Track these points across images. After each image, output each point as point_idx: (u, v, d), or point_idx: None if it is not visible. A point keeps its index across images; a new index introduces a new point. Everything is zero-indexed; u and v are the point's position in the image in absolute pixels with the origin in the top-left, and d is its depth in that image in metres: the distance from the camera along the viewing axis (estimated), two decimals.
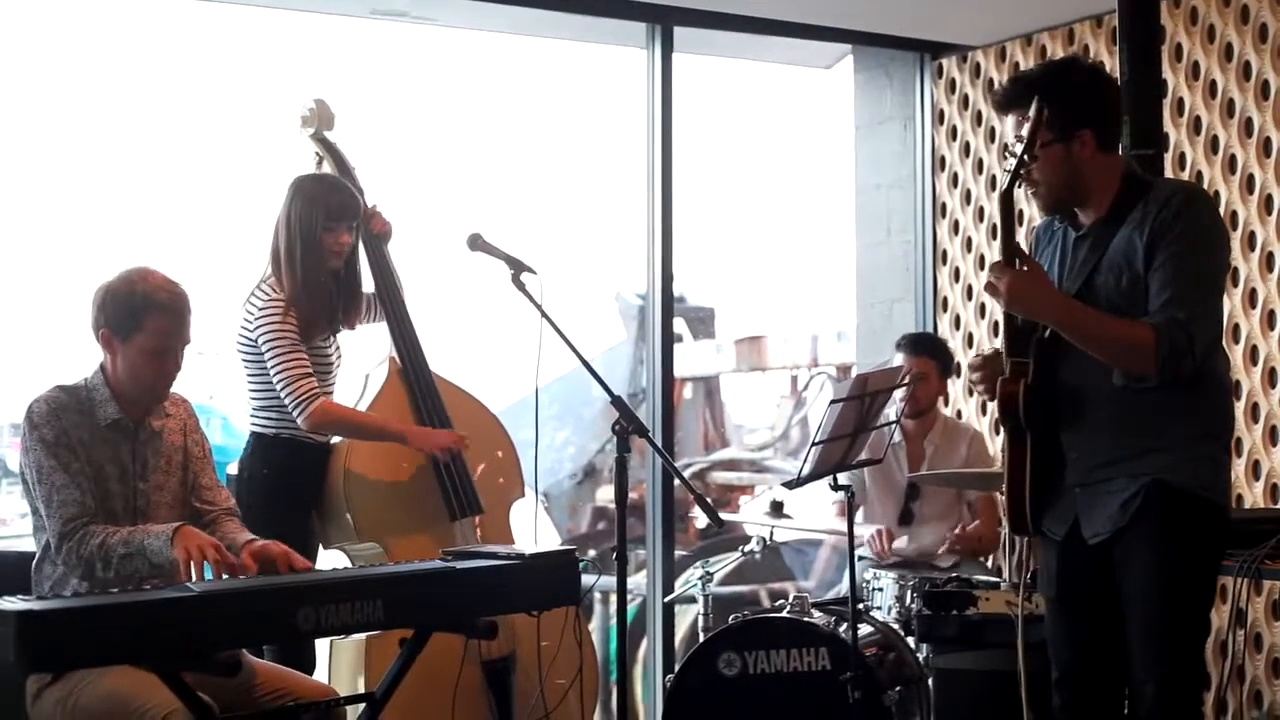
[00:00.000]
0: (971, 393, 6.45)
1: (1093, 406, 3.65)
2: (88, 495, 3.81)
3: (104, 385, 3.91)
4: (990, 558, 5.77)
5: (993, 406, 4.09)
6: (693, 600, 5.43)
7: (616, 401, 4.21)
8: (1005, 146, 3.70)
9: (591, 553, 4.10)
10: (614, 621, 6.75)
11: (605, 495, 9.38)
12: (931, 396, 5.82)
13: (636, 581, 6.54)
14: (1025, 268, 3.63)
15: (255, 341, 4.57)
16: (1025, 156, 3.57)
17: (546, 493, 8.04)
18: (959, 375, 6.58)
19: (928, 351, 5.80)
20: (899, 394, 5.15)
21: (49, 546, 3.83)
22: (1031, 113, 3.55)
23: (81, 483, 3.80)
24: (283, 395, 4.54)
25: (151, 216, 6.72)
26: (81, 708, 3.69)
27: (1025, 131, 3.57)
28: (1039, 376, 3.65)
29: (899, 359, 5.73)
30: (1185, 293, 3.55)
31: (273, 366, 4.54)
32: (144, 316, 3.84)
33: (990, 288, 3.62)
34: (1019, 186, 3.63)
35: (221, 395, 7.42)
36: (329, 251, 4.66)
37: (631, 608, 6.65)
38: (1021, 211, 6.30)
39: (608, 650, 6.61)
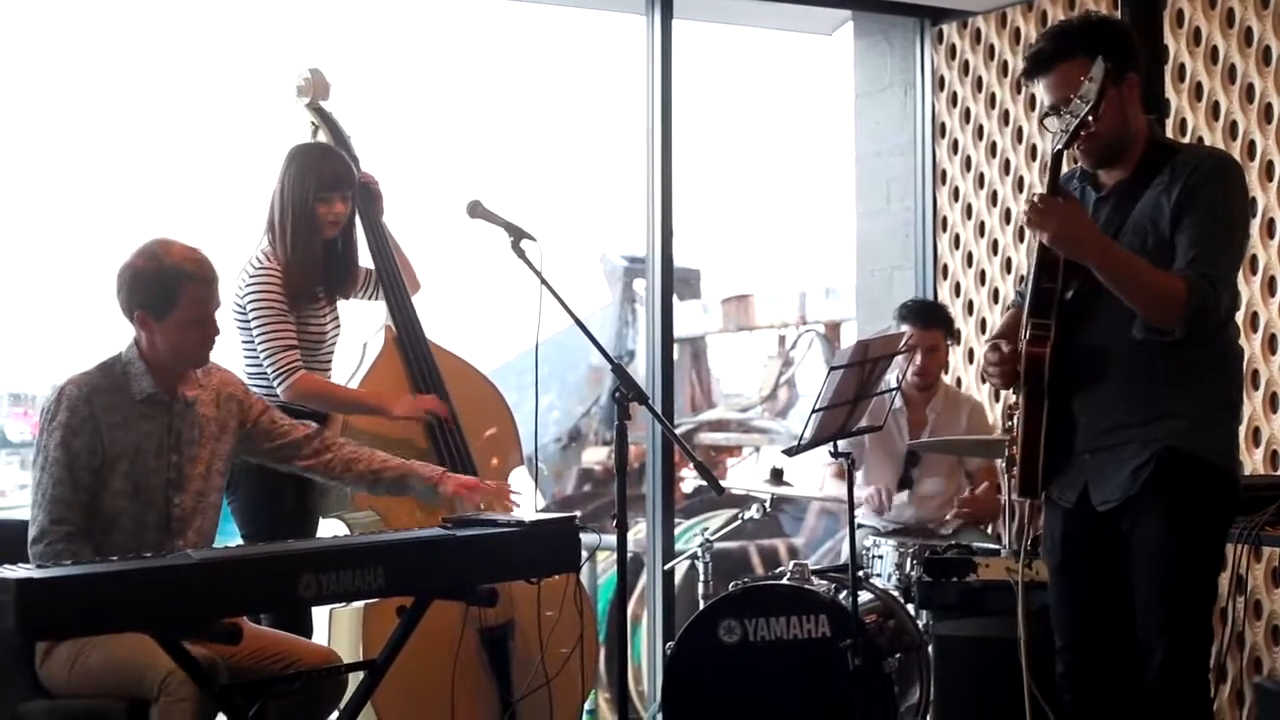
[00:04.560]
0: (984, 380, 6.43)
1: (1108, 369, 3.63)
2: (81, 494, 3.80)
3: (139, 360, 3.93)
4: (990, 525, 5.76)
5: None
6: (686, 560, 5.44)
7: (617, 369, 4.20)
8: (1056, 107, 3.62)
9: (578, 514, 4.09)
10: (601, 581, 6.77)
11: (590, 458, 9.39)
12: (940, 366, 5.81)
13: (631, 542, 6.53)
14: (1068, 203, 3.60)
15: (244, 310, 4.56)
16: (1090, 116, 3.49)
17: (540, 458, 8.04)
18: (959, 341, 6.58)
19: (937, 323, 5.77)
20: (899, 359, 5.15)
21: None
22: (1097, 70, 3.47)
23: (81, 479, 3.80)
24: (265, 364, 4.54)
25: (148, 188, 6.70)
26: (90, 668, 3.74)
27: (1089, 88, 3.48)
28: (1058, 339, 3.63)
29: (902, 328, 5.69)
30: (1212, 254, 3.55)
31: (257, 335, 4.54)
32: (178, 291, 3.87)
33: (1034, 221, 3.56)
34: (1072, 147, 3.59)
35: (224, 366, 7.40)
36: (324, 221, 4.65)
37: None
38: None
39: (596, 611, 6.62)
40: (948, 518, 5.61)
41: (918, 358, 5.61)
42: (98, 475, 3.83)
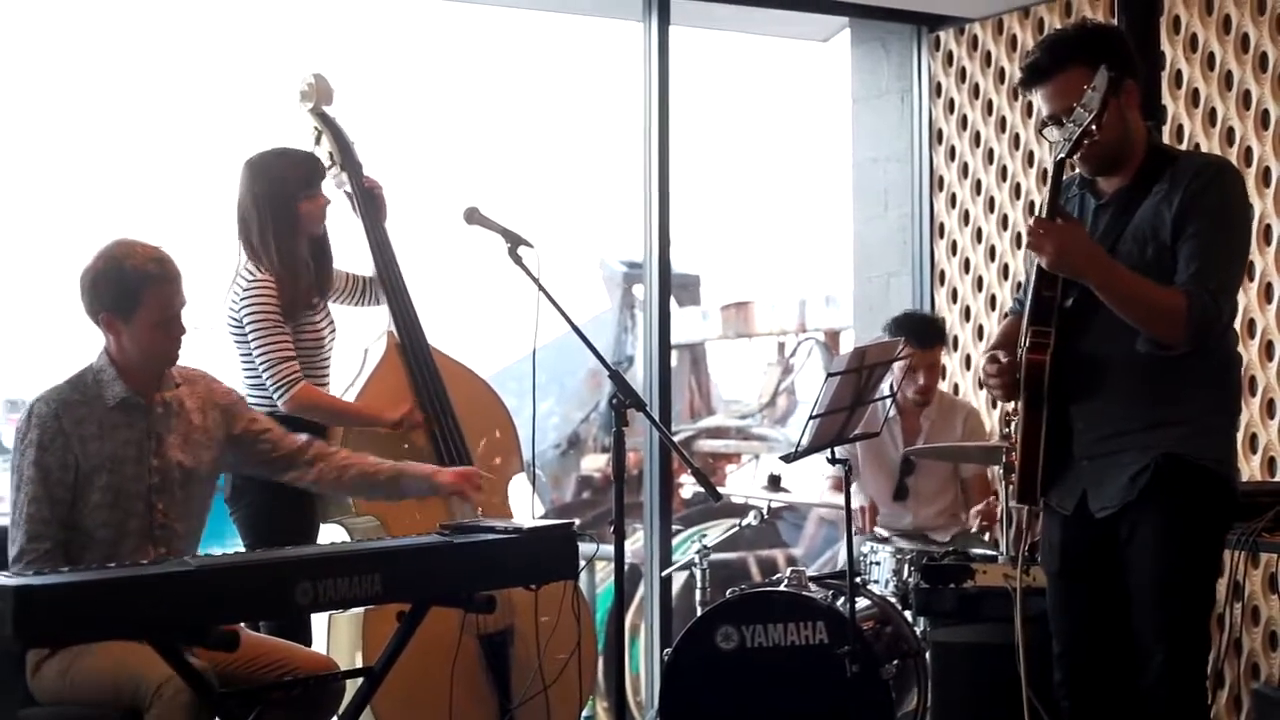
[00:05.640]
0: (982, 386, 6.44)
1: (1108, 377, 3.63)
2: (61, 509, 3.79)
3: (109, 365, 3.91)
4: (988, 532, 5.76)
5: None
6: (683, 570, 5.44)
7: (614, 376, 4.20)
8: (1055, 116, 3.61)
9: (576, 522, 4.10)
10: (599, 590, 6.77)
11: (590, 465, 9.39)
12: (938, 380, 5.78)
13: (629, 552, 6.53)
14: (1067, 225, 3.60)
15: (241, 323, 4.56)
16: (1094, 125, 3.48)
17: (539, 464, 8.04)
18: (956, 347, 6.59)
19: (936, 340, 5.73)
20: (896, 371, 5.16)
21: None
22: (1100, 79, 3.47)
23: (57, 493, 3.79)
24: (264, 378, 4.52)
25: (150, 193, 6.70)
26: (81, 679, 3.72)
27: (1092, 97, 3.47)
28: (1057, 347, 3.63)
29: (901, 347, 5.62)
30: (1214, 265, 3.55)
31: (255, 348, 4.52)
32: (140, 292, 3.83)
33: (1034, 244, 3.56)
34: (1074, 157, 3.59)
35: (216, 370, 7.41)
36: (311, 219, 4.64)
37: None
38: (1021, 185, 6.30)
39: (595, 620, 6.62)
40: (973, 529, 5.58)
41: (920, 378, 5.61)
42: (74, 490, 3.82)
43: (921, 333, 5.65)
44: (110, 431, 3.87)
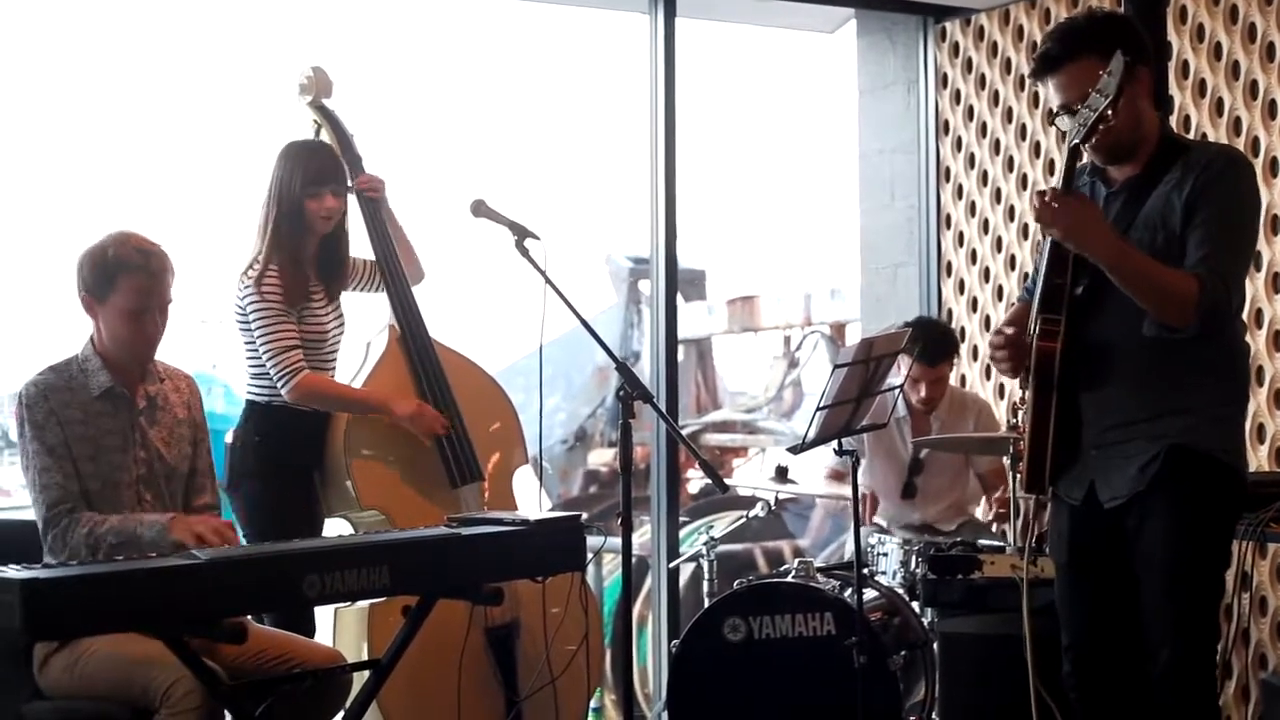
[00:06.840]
0: (989, 374, 6.43)
1: (1117, 366, 3.62)
2: (71, 481, 3.82)
3: (94, 355, 3.93)
4: (996, 523, 5.76)
5: (998, 374, 4.04)
6: (691, 561, 5.44)
7: (621, 368, 4.20)
8: (1067, 106, 3.60)
9: (584, 514, 4.10)
10: (606, 584, 6.78)
11: (596, 459, 9.39)
12: (942, 393, 5.75)
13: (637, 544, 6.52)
14: (1081, 200, 3.58)
15: (245, 312, 4.55)
16: (1109, 110, 3.46)
17: (546, 459, 8.04)
18: (964, 338, 6.57)
19: (944, 358, 5.70)
20: (903, 369, 5.14)
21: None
22: (1116, 64, 3.45)
23: (65, 467, 3.82)
24: (268, 366, 4.52)
25: (154, 187, 6.71)
26: (89, 674, 3.72)
27: (1108, 82, 3.45)
28: (1067, 335, 3.62)
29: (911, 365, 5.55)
30: (1222, 252, 3.54)
31: (259, 337, 4.52)
32: (117, 277, 3.86)
33: (1044, 218, 3.54)
34: (1090, 142, 3.57)
35: (224, 364, 7.43)
36: (315, 217, 4.62)
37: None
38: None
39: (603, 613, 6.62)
40: (988, 518, 5.56)
41: (923, 390, 5.60)
42: (74, 465, 3.86)
43: (929, 349, 5.56)
44: (94, 419, 3.90)
